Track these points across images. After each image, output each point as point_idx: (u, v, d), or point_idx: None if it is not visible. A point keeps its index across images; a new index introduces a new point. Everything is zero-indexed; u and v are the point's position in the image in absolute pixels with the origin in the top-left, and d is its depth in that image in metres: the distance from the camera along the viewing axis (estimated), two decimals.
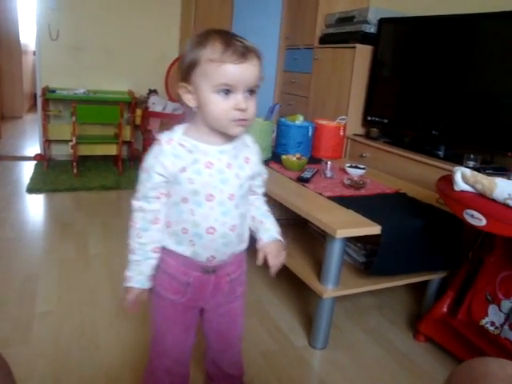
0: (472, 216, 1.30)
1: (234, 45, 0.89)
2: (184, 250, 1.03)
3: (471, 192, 1.39)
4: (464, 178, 1.39)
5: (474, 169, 2.19)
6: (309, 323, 1.84)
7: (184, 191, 0.98)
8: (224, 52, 0.88)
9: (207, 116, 0.94)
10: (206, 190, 0.98)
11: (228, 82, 0.90)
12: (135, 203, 1.02)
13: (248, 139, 1.07)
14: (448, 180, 1.51)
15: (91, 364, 1.56)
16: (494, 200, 1.31)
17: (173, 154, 0.96)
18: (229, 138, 0.99)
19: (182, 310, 1.12)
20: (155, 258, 1.05)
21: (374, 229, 1.58)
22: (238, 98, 0.91)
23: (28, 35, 6.32)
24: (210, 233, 1.00)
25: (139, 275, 1.05)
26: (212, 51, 0.89)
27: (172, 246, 1.04)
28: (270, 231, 1.13)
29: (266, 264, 1.11)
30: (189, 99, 0.96)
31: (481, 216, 1.28)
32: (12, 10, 6.11)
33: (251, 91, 0.93)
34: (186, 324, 1.15)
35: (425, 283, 1.96)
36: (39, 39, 3.98)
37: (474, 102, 2.31)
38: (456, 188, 1.41)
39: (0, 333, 1.70)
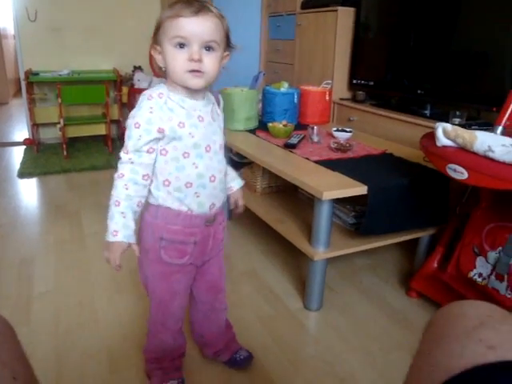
0: (454, 170, 1.32)
1: (191, 3, 0.95)
2: (189, 203, 1.08)
3: (453, 147, 1.41)
4: (445, 133, 1.40)
5: (459, 125, 2.22)
6: (303, 286, 1.88)
7: (185, 146, 1.03)
8: (180, 9, 0.94)
9: (169, 70, 1.00)
10: (205, 142, 1.06)
11: (180, 34, 0.95)
12: (124, 156, 1.03)
13: (210, 95, 1.12)
14: (431, 137, 1.52)
15: (92, 339, 1.60)
16: (474, 153, 1.33)
17: (168, 108, 1.01)
18: (197, 93, 1.04)
19: (188, 271, 1.18)
20: (138, 211, 1.07)
21: (361, 189, 1.59)
22: (192, 50, 0.96)
23: (6, 19, 6.18)
24: (212, 181, 1.09)
25: (126, 229, 1.03)
26: (171, 10, 0.96)
27: (175, 204, 1.08)
28: (236, 179, 1.28)
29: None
30: (159, 59, 1.02)
31: (462, 169, 1.29)
32: None
33: (208, 47, 0.98)
34: (188, 284, 1.22)
35: (416, 241, 2.00)
36: (17, 22, 3.90)
37: (459, 60, 2.30)
38: (438, 144, 1.42)
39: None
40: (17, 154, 3.88)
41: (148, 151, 1.02)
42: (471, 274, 1.62)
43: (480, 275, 1.59)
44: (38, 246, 2.26)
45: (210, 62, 0.98)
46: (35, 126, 4.00)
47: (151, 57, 3.75)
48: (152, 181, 1.07)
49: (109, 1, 4.13)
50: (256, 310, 1.79)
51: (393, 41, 2.70)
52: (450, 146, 1.41)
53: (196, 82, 0.99)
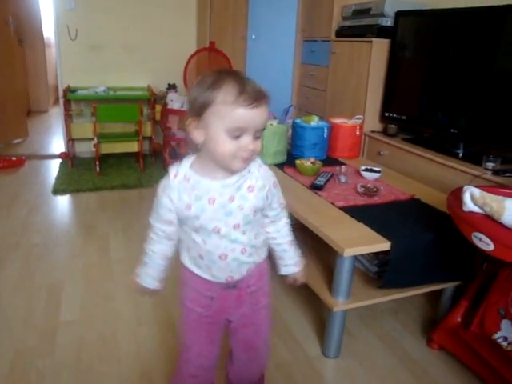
0: (480, 239, 1.29)
1: (247, 90, 0.93)
2: (203, 272, 1.12)
3: (480, 213, 1.37)
4: (473, 198, 1.37)
5: (493, 171, 2.16)
6: (322, 331, 1.86)
7: (193, 225, 1.06)
8: (238, 96, 0.91)
9: (213, 153, 0.98)
10: (212, 224, 1.04)
11: (240, 126, 0.93)
12: (150, 220, 1.13)
13: (252, 165, 1.05)
14: (458, 196, 1.49)
15: (112, 376, 1.64)
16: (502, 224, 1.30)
17: (178, 189, 1.04)
18: (223, 174, 1.03)
19: (207, 323, 1.20)
20: (163, 265, 1.18)
21: (384, 245, 1.57)
22: (247, 140, 0.95)
23: (50, 29, 6.39)
24: (222, 259, 1.08)
25: (146, 276, 1.18)
26: (226, 94, 0.92)
27: (193, 268, 1.13)
28: (291, 265, 1.32)
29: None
30: (196, 135, 0.98)
31: (488, 240, 1.26)
32: (35, 5, 6.18)
33: (258, 133, 0.97)
34: (210, 337, 1.22)
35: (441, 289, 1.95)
36: (58, 39, 4.04)
37: (496, 99, 2.24)
38: (465, 208, 1.39)
39: (28, 342, 1.80)
40: (53, 167, 4.01)
41: (166, 222, 1.10)
42: (495, 336, 1.58)
43: (505, 339, 1.55)
44: (67, 271, 2.32)
45: (258, 146, 0.98)
46: (71, 140, 4.12)
47: (185, 76, 3.77)
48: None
49: (146, 20, 4.23)
50: (274, 355, 1.78)
51: (427, 75, 2.65)
52: (477, 213, 1.38)
53: (241, 166, 0.99)
